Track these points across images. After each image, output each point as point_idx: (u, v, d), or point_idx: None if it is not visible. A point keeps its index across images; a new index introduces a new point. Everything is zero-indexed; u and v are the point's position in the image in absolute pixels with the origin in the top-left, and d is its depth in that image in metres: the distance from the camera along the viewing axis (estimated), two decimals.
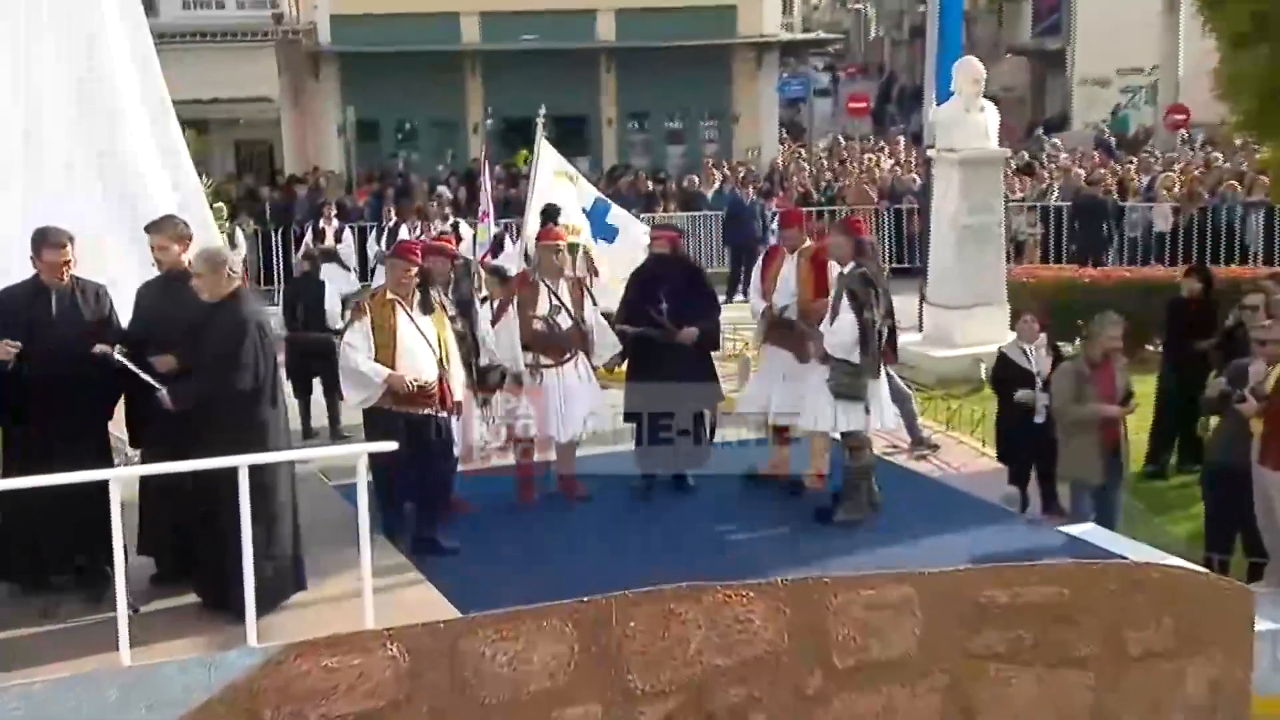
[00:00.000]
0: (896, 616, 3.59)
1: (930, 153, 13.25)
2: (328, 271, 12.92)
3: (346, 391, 7.23)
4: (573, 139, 25.17)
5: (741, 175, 20.77)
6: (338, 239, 14.73)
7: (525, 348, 7.89)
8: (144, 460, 5.92)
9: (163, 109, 6.97)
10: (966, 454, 9.62)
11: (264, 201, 19.10)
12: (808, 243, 8.52)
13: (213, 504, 5.26)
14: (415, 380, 6.88)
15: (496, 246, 11.89)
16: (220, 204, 16.42)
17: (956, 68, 12.55)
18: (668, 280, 8.18)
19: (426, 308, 7.03)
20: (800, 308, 8.16)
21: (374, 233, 15.67)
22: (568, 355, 8.00)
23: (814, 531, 7.62)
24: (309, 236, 14.64)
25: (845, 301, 7.41)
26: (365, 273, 14.74)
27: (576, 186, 11.08)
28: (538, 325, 7.92)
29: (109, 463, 5.72)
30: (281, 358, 9.85)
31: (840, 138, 27.57)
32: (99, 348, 5.69)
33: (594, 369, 8.21)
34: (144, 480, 5.77)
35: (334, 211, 15.55)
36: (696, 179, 20.57)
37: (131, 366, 5.72)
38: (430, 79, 23.73)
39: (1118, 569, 3.97)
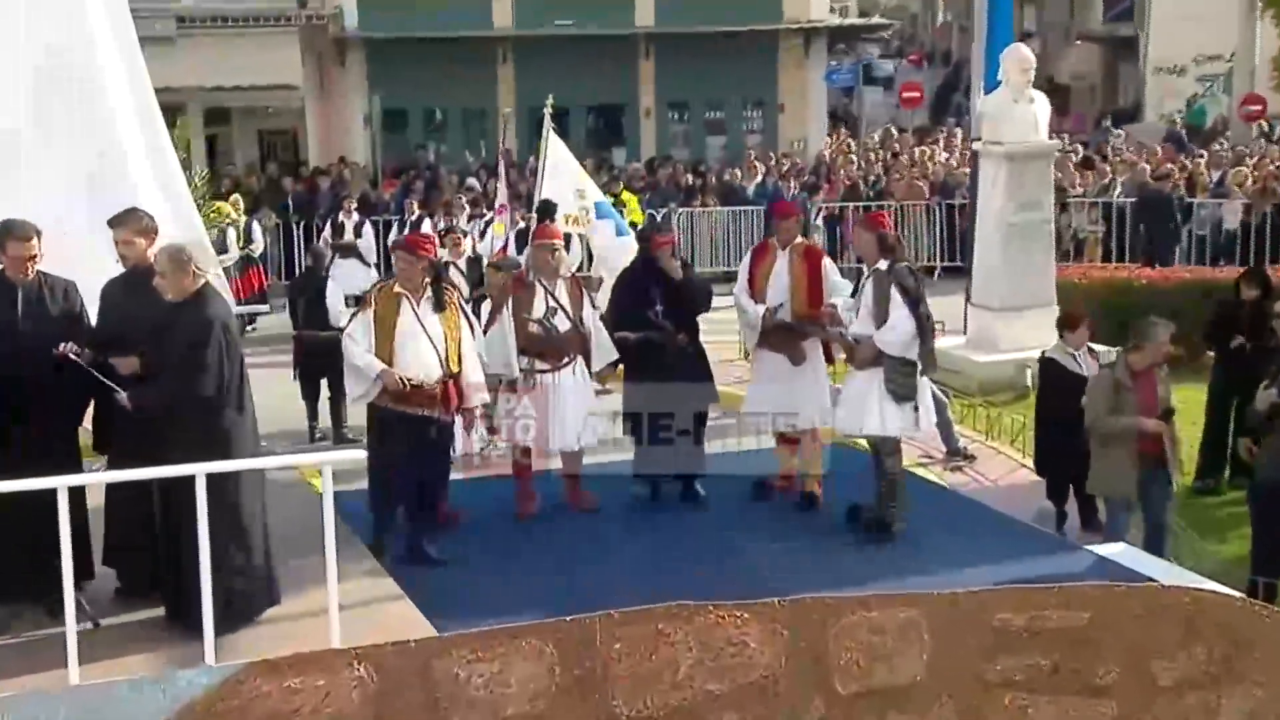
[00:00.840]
0: (904, 640, 3.40)
1: (976, 145, 12.90)
2: (347, 267, 12.88)
3: (347, 384, 7.11)
4: (609, 129, 24.98)
5: (785, 168, 20.44)
6: (357, 233, 14.55)
7: (522, 352, 7.63)
8: (110, 466, 5.73)
9: (150, 108, 6.88)
10: (1005, 465, 9.31)
11: (287, 194, 18.92)
12: (800, 239, 8.29)
13: (177, 514, 5.10)
14: (409, 379, 6.68)
15: (523, 241, 11.69)
16: (237, 195, 16.42)
17: (1004, 56, 12.11)
18: (658, 281, 7.95)
19: (439, 305, 6.83)
20: (795, 310, 7.90)
21: (396, 227, 15.30)
22: (566, 360, 7.71)
23: (826, 548, 7.39)
24: (327, 230, 14.52)
25: (898, 296, 7.19)
26: (388, 269, 14.56)
27: (581, 181, 10.97)
28: (533, 328, 7.65)
29: (78, 467, 5.57)
30: (288, 357, 9.90)
31: (893, 129, 26.83)
32: (64, 346, 5.47)
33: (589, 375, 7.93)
34: (110, 487, 5.60)
35: (354, 205, 15.34)
36: (738, 172, 20.20)
37: (86, 366, 5.52)
38: (460, 66, 23.19)
39: (1144, 592, 3.78)
